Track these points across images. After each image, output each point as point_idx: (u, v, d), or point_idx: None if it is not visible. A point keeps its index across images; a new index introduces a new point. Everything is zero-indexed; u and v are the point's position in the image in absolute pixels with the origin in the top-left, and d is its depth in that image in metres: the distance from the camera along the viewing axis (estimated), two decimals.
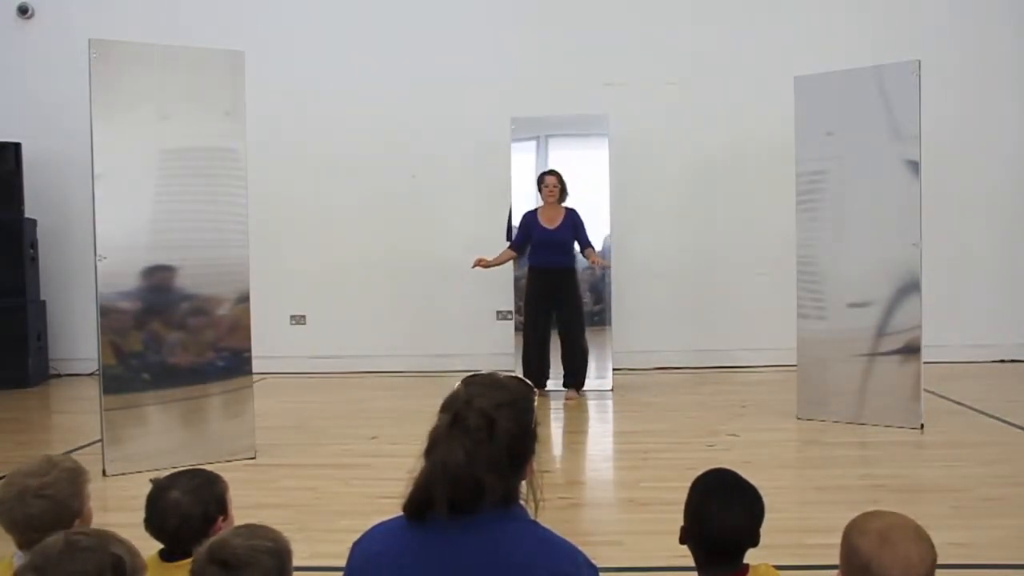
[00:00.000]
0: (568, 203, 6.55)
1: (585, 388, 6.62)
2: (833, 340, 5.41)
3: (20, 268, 7.56)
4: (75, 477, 2.05)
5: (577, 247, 6.50)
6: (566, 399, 6.45)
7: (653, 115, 7.69)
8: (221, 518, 2.08)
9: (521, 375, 6.03)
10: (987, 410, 5.59)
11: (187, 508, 2.03)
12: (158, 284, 4.66)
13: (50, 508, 1.96)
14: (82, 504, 2.04)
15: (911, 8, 7.61)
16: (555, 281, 6.42)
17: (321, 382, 7.55)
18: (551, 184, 6.45)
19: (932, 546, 1.60)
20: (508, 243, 6.74)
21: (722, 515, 1.82)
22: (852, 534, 1.63)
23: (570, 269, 6.47)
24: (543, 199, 6.49)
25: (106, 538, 1.52)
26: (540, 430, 1.59)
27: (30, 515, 1.95)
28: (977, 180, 7.65)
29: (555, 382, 6.69)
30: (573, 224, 6.46)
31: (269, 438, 5.05)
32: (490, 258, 6.55)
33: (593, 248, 6.47)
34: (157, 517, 2.04)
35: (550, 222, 6.46)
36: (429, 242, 7.97)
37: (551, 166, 6.74)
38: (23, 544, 1.97)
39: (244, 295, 4.85)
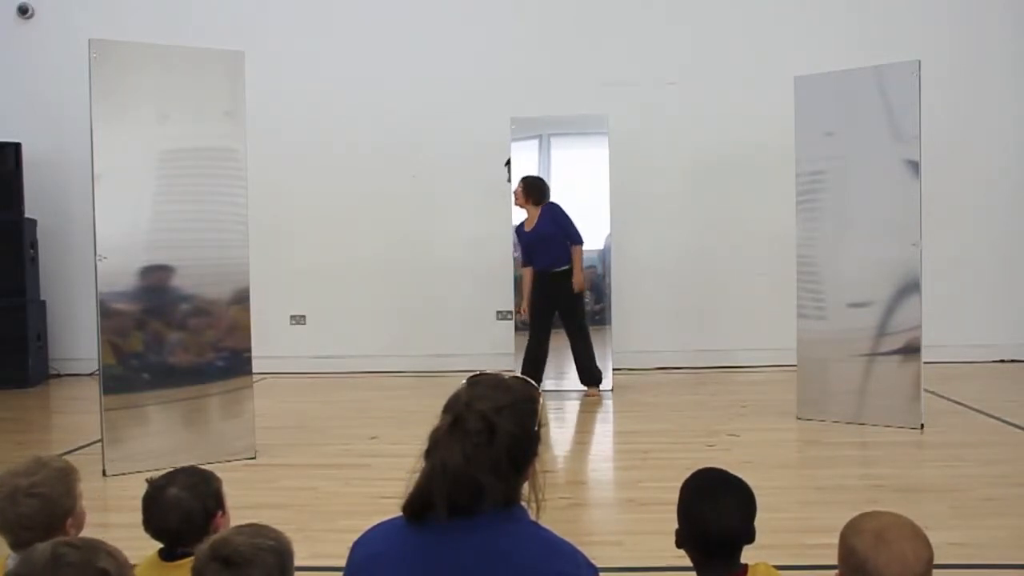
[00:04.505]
0: (568, 202, 6.57)
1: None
2: (833, 340, 5.41)
3: (20, 268, 7.56)
4: (65, 475, 2.04)
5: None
6: (586, 395, 6.54)
7: (653, 115, 7.69)
8: (219, 513, 2.08)
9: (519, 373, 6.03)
10: (987, 410, 5.59)
11: (188, 505, 2.03)
12: (158, 284, 4.66)
13: (42, 507, 1.96)
14: (74, 502, 2.03)
15: (910, 8, 7.62)
16: (548, 283, 6.44)
17: (321, 382, 7.55)
18: (516, 192, 6.60)
19: (928, 544, 1.60)
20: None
21: (715, 513, 1.82)
22: (848, 534, 1.64)
23: (549, 271, 6.44)
24: None
25: (95, 551, 1.48)
26: (541, 431, 1.59)
27: (22, 515, 1.94)
28: (977, 180, 7.66)
29: (556, 382, 6.70)
30: (551, 220, 6.45)
31: (269, 438, 5.05)
32: (524, 292, 6.61)
33: (580, 248, 6.43)
34: (157, 516, 2.04)
35: (528, 224, 6.57)
36: (429, 242, 7.98)
37: (554, 166, 6.83)
38: (16, 545, 1.96)
39: (244, 295, 4.85)
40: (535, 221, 6.50)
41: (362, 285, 7.98)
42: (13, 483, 1.97)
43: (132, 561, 2.07)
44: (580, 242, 6.45)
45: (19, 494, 1.95)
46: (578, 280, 6.36)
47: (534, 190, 6.52)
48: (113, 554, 1.51)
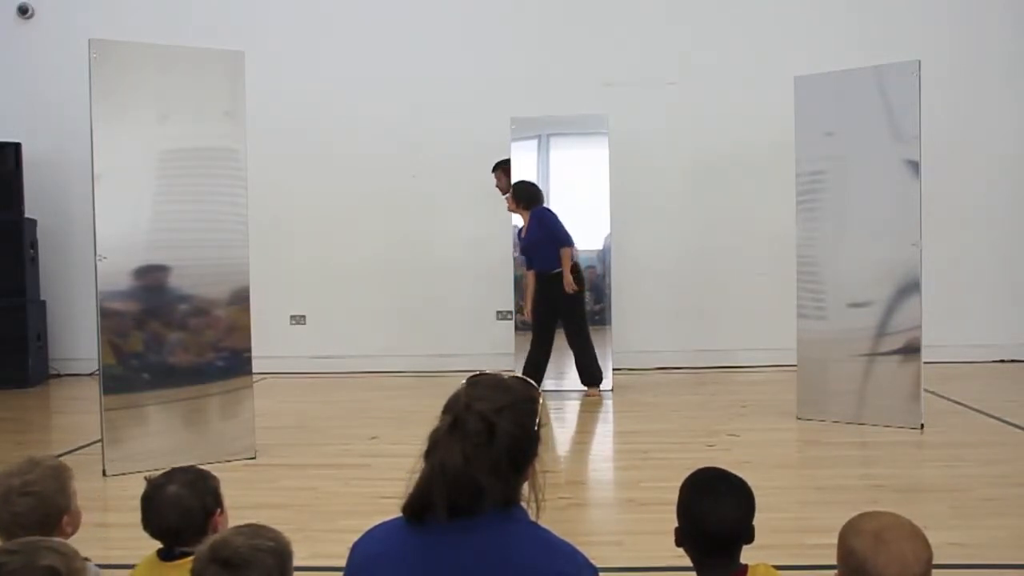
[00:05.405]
0: (568, 202, 6.59)
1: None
2: (833, 340, 5.41)
3: (20, 268, 7.56)
4: (59, 474, 2.04)
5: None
6: (587, 395, 6.54)
7: (653, 115, 7.69)
8: (218, 511, 2.08)
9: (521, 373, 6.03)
10: (987, 410, 5.59)
11: (187, 502, 2.03)
12: (158, 284, 4.66)
13: (37, 505, 1.96)
14: (68, 501, 2.02)
15: (910, 8, 7.61)
16: (546, 286, 6.46)
17: (321, 382, 7.55)
18: (507, 199, 6.68)
19: (927, 544, 1.60)
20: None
21: (714, 511, 1.83)
22: (847, 535, 1.64)
23: (546, 274, 6.43)
24: None
25: (36, 550, 1.45)
26: (542, 431, 1.59)
27: (17, 514, 1.94)
28: (977, 180, 7.66)
29: (556, 382, 6.70)
30: (539, 225, 6.47)
31: (269, 438, 5.05)
32: (527, 295, 6.65)
33: (568, 250, 6.40)
34: (156, 514, 2.03)
35: (524, 229, 6.63)
36: (429, 242, 7.98)
37: (554, 166, 6.88)
38: None
39: (244, 295, 4.85)
40: (525, 228, 6.54)
41: (362, 285, 7.98)
42: (7, 483, 1.97)
43: (131, 561, 2.09)
44: (569, 245, 6.44)
45: (13, 493, 1.95)
46: (567, 282, 6.34)
47: (523, 196, 6.55)
48: (57, 548, 1.47)
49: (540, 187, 6.67)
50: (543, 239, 6.43)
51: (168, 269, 4.67)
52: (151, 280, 4.64)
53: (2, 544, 1.52)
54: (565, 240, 6.43)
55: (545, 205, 6.60)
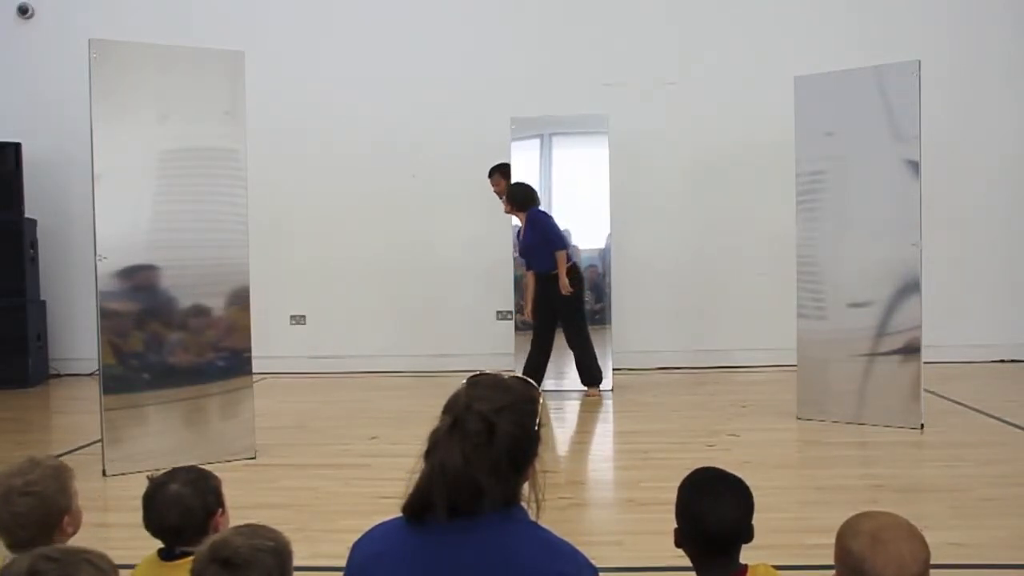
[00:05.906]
0: (568, 203, 6.61)
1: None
2: (833, 340, 5.41)
3: (20, 268, 7.57)
4: (60, 474, 2.03)
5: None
6: (586, 395, 6.54)
7: (653, 115, 7.69)
8: (219, 511, 2.08)
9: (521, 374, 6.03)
10: (987, 410, 5.59)
11: (188, 501, 2.03)
12: (157, 284, 4.66)
13: (38, 505, 1.95)
14: (69, 500, 2.02)
15: (910, 8, 7.61)
16: (543, 286, 6.47)
17: (321, 382, 7.55)
18: (503, 201, 6.67)
19: (925, 544, 1.60)
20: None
21: (713, 510, 1.83)
22: (845, 536, 1.64)
23: (545, 275, 6.43)
24: None
25: (76, 563, 1.42)
26: (542, 431, 1.59)
27: (17, 514, 1.94)
28: (977, 180, 7.65)
29: (556, 382, 6.70)
30: (533, 228, 6.48)
31: (269, 438, 5.05)
32: (527, 296, 6.64)
33: (563, 253, 6.39)
34: (158, 513, 2.04)
35: (521, 232, 6.64)
36: (429, 242, 7.98)
37: (554, 166, 6.87)
38: (13, 545, 1.95)
39: (244, 295, 4.85)
40: (523, 229, 6.56)
41: (362, 285, 7.98)
42: (7, 483, 1.97)
43: (131, 561, 2.08)
44: (562, 247, 6.43)
45: (13, 493, 1.95)
46: (563, 284, 6.34)
47: (518, 198, 6.55)
48: (95, 562, 1.45)
49: (536, 189, 6.67)
50: (538, 242, 6.43)
51: (168, 269, 4.67)
52: (151, 280, 4.64)
53: (43, 549, 1.49)
54: (559, 243, 6.44)
55: (541, 207, 6.59)
